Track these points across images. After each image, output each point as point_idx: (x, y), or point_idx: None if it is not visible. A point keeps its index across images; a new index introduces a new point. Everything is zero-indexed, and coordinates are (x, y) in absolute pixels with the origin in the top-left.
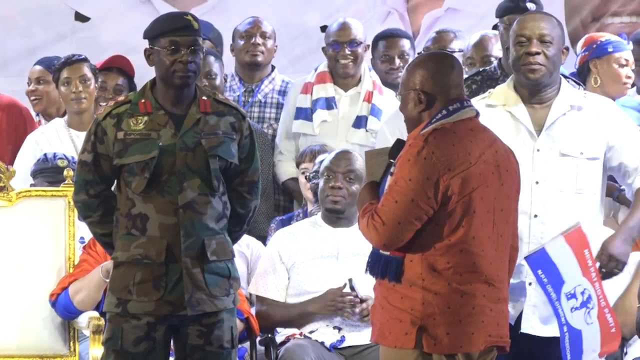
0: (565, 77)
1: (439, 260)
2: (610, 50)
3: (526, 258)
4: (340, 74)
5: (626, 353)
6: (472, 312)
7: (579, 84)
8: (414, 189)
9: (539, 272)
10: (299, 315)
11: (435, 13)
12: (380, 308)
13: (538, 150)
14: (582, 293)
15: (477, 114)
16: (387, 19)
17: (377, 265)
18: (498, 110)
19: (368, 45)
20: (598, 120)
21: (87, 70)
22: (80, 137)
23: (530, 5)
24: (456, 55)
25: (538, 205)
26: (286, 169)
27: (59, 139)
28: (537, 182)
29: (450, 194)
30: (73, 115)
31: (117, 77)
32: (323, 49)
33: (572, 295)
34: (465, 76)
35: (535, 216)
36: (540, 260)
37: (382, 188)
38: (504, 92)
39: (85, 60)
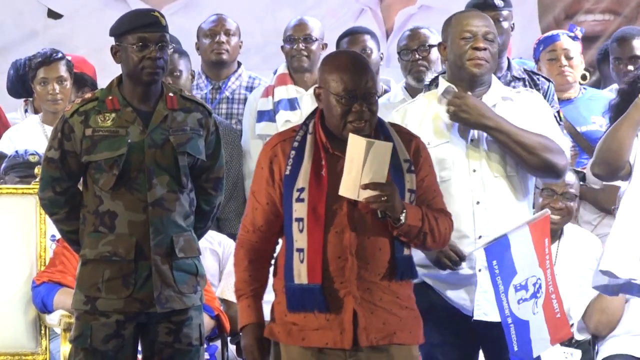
0: (535, 73)
1: None
2: (541, 49)
3: (486, 249)
4: (295, 68)
5: (597, 352)
6: None
7: (548, 80)
8: None
9: (494, 262)
10: None
11: (409, 10)
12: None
13: (472, 140)
14: (535, 284)
15: None
16: (360, 16)
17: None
18: (434, 105)
19: (326, 44)
20: (526, 110)
21: (63, 71)
22: None
23: (499, 2)
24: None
25: (478, 192)
26: None
27: (32, 135)
28: (474, 170)
29: None
30: (48, 112)
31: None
32: (282, 47)
33: (522, 287)
34: (436, 73)
35: (478, 203)
36: (499, 250)
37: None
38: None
39: (61, 58)
